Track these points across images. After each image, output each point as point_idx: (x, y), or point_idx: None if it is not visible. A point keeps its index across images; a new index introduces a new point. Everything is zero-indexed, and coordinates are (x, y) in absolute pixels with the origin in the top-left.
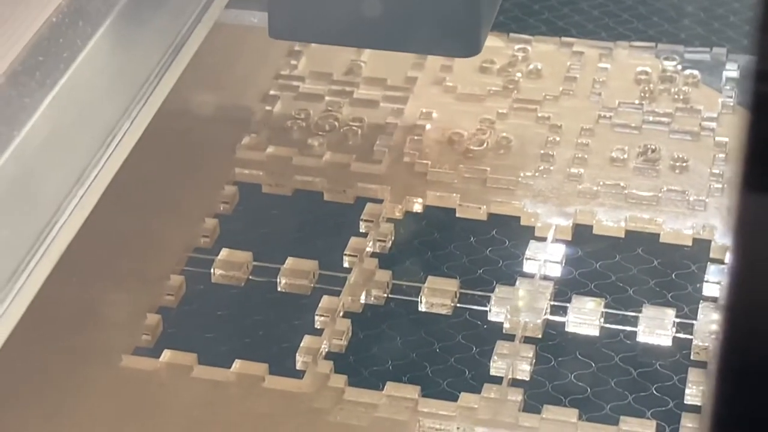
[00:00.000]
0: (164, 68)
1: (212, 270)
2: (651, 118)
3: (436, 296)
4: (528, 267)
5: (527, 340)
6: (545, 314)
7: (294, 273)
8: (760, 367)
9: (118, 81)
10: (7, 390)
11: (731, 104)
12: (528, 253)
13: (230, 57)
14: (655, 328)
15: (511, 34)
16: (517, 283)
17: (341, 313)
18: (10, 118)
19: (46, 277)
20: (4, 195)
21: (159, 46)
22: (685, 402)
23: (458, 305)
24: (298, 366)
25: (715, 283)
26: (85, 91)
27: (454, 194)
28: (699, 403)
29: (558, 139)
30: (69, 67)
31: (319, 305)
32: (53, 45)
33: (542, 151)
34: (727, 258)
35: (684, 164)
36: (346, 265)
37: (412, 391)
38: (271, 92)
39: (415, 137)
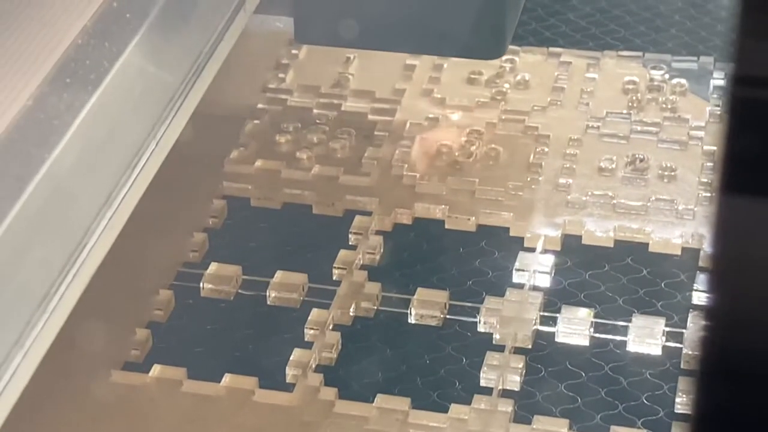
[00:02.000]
0: (189, 86)
1: (201, 284)
2: (639, 128)
3: (426, 308)
4: (517, 278)
5: (517, 350)
6: (535, 325)
7: (283, 286)
8: (743, 371)
9: (144, 101)
10: None
11: (719, 113)
12: (517, 264)
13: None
14: (645, 337)
15: None
16: (507, 294)
17: (331, 326)
18: (40, 140)
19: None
20: (36, 217)
21: (184, 64)
22: (676, 411)
23: (448, 317)
24: (288, 379)
25: (704, 291)
26: (112, 112)
27: (443, 206)
28: (689, 412)
29: (546, 149)
30: (96, 89)
31: (309, 318)
32: (80, 67)
33: (531, 162)
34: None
35: (672, 173)
36: (335, 277)
37: (402, 403)
38: (259, 105)
39: (404, 149)
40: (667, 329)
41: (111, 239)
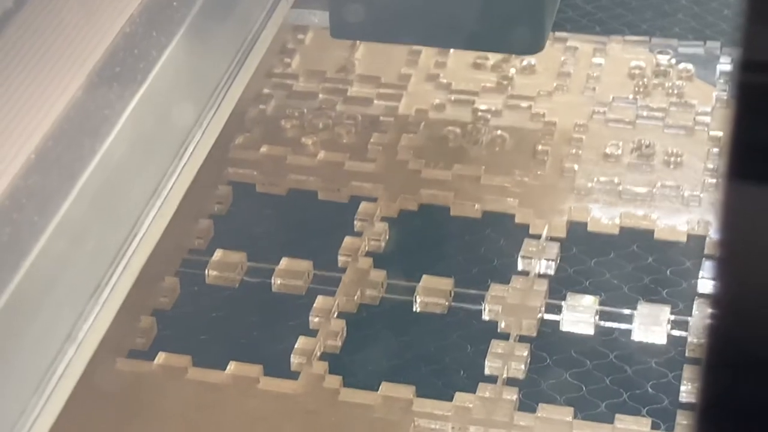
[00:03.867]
0: (233, 75)
1: (206, 271)
2: (645, 113)
3: (431, 295)
4: (522, 265)
5: (522, 338)
6: (540, 312)
7: (288, 273)
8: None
9: (192, 89)
10: None
11: (725, 98)
12: (522, 251)
13: None
14: (650, 325)
15: None
16: (512, 281)
17: (336, 314)
18: (91, 130)
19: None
20: (89, 207)
21: (228, 53)
22: (680, 399)
23: (453, 304)
24: (293, 367)
25: (710, 279)
26: (161, 101)
27: (449, 192)
28: (694, 401)
29: (552, 135)
30: (146, 78)
31: (314, 305)
32: (128, 55)
33: (536, 148)
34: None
35: (678, 159)
36: (340, 264)
37: (407, 391)
38: (265, 91)
39: (410, 135)
40: (673, 317)
41: (161, 228)
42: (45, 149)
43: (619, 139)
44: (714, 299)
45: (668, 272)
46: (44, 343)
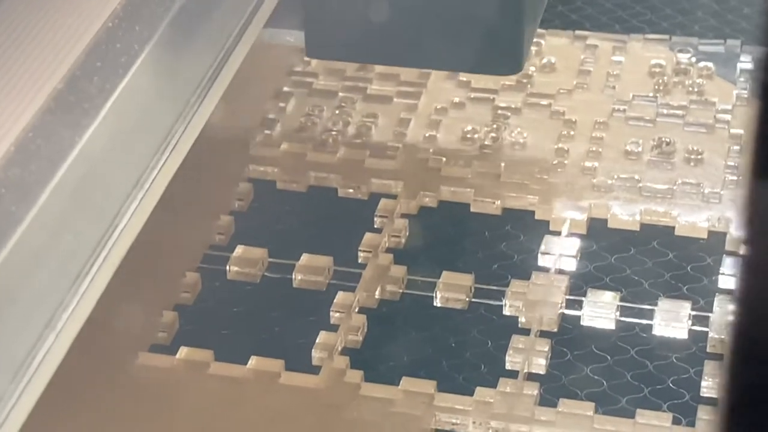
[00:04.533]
0: (219, 67)
1: (227, 267)
2: (665, 111)
3: (451, 291)
4: (543, 261)
5: (543, 334)
6: (560, 308)
7: (309, 269)
8: None
9: (174, 85)
10: None
11: (745, 96)
12: (543, 247)
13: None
14: (671, 320)
15: None
16: (532, 277)
17: (356, 309)
18: (72, 123)
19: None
20: (68, 199)
21: (210, 52)
22: (701, 394)
23: (473, 300)
24: (314, 362)
25: (730, 275)
26: (142, 96)
27: (468, 189)
28: (715, 396)
29: (572, 132)
30: (127, 72)
31: (335, 301)
32: (110, 49)
33: (556, 145)
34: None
35: (699, 157)
36: (360, 260)
37: (428, 386)
38: (285, 89)
39: (429, 132)
40: (693, 313)
41: (141, 221)
42: (25, 141)
43: (640, 137)
44: (737, 296)
45: (689, 268)
46: (23, 332)
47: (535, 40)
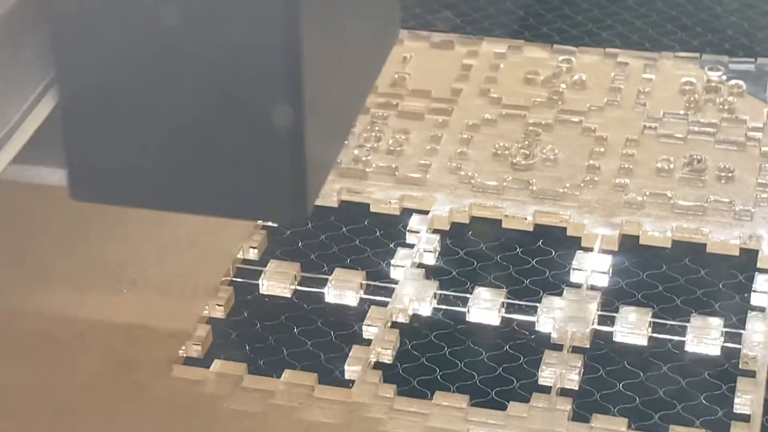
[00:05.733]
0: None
1: (260, 281)
2: (696, 129)
3: (483, 306)
4: (575, 277)
5: (575, 349)
6: (593, 324)
7: (341, 284)
8: None
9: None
10: (60, 399)
11: None
12: (574, 263)
13: None
14: (703, 337)
15: (555, 46)
16: (564, 293)
17: (389, 324)
18: None
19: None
20: None
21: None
22: (734, 411)
23: (505, 315)
24: (347, 375)
25: (762, 292)
26: None
27: (500, 205)
28: (748, 412)
29: (603, 149)
30: None
31: (367, 315)
32: None
33: (588, 162)
34: None
35: (730, 174)
36: (393, 275)
37: (461, 401)
38: None
39: (461, 149)
40: (726, 330)
41: None
42: None
43: (671, 154)
44: None
45: (721, 285)
46: None
47: (565, 57)
